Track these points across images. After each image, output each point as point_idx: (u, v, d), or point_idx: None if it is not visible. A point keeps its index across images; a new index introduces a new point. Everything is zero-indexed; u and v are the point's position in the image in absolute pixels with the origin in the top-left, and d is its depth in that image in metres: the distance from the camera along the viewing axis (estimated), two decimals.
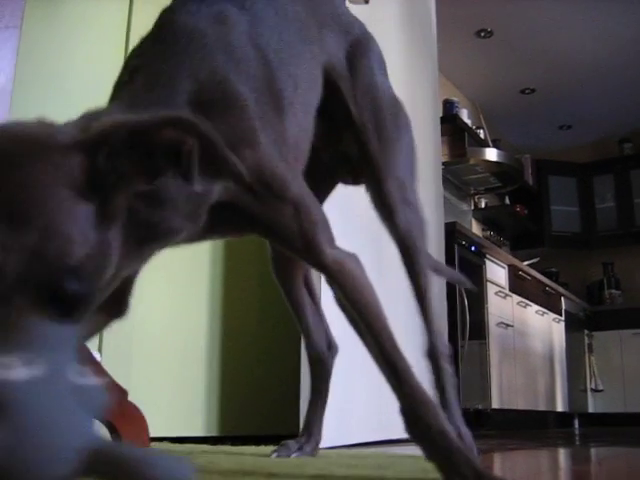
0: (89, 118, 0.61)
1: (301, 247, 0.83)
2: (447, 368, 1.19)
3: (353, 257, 0.85)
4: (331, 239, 0.85)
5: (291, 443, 1.25)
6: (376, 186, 1.08)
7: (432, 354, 1.19)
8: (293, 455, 1.22)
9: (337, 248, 0.85)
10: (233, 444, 1.75)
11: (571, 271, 6.37)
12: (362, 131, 1.07)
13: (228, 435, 2.12)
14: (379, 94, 1.10)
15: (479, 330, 3.99)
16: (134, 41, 1.99)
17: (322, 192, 1.19)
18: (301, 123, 0.91)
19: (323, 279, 1.16)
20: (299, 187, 0.82)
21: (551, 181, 6.40)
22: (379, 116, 1.09)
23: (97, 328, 0.85)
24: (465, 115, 5.22)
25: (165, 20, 0.83)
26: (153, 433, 1.23)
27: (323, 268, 0.84)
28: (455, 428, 1.14)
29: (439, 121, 3.23)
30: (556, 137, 6.54)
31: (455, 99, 5.13)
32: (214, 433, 2.14)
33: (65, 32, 1.85)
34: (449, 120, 4.76)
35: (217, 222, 0.76)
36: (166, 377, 2.01)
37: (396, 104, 1.16)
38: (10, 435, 0.46)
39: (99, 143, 0.55)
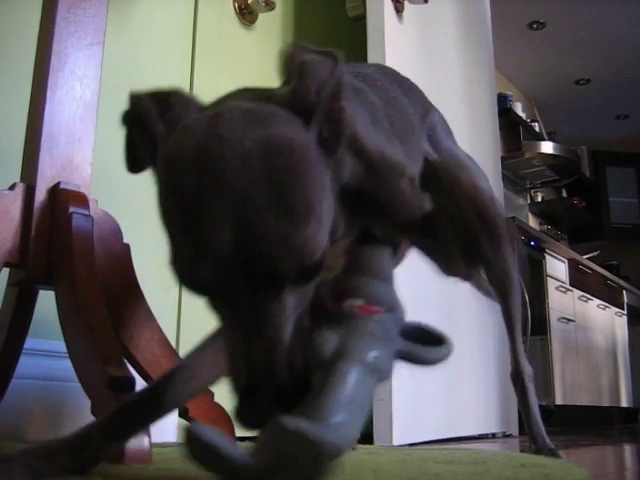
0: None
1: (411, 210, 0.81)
2: (531, 388, 1.31)
3: None
4: None
5: None
6: None
7: (517, 374, 1.32)
8: None
9: None
10: None
11: (632, 264, 6.22)
12: None
13: None
14: (459, 157, 1.28)
15: (540, 326, 3.95)
16: (200, 46, 2.06)
17: None
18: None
19: None
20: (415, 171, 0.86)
21: (609, 172, 6.26)
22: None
23: None
24: (519, 109, 5.17)
25: None
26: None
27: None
28: (541, 441, 1.26)
29: (497, 116, 3.21)
30: (613, 127, 6.40)
31: (509, 93, 5.08)
32: None
33: (136, 43, 1.91)
34: (503, 114, 4.70)
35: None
36: None
37: (471, 160, 1.34)
38: None
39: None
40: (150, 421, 0.80)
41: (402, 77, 1.26)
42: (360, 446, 1.43)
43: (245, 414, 0.54)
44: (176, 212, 0.54)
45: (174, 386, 0.80)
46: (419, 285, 1.82)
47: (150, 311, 1.24)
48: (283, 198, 0.52)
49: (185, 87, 2.05)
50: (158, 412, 0.79)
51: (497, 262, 1.28)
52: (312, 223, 0.53)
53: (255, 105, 0.58)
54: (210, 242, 0.52)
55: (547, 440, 1.26)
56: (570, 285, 4.50)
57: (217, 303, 0.57)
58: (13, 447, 0.92)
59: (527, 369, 1.33)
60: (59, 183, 1.17)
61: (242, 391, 0.53)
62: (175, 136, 0.58)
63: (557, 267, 4.36)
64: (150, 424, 0.82)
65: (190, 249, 0.53)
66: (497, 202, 1.27)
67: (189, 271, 0.54)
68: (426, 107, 1.30)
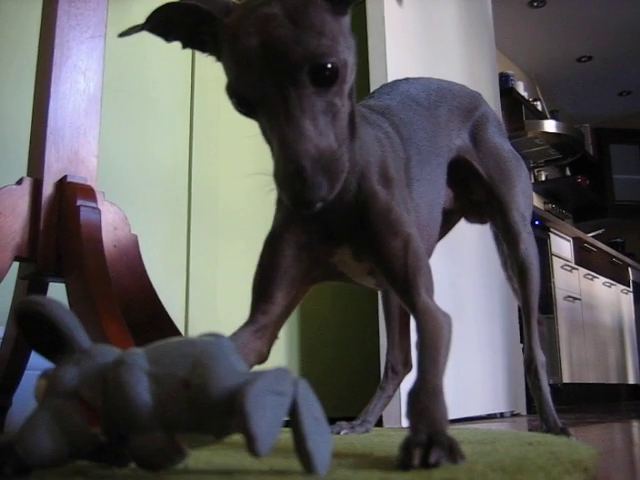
0: None
1: (401, 283, 0.87)
2: (543, 374, 1.34)
3: (446, 315, 0.84)
4: (430, 289, 0.88)
5: (344, 424, 1.37)
6: (503, 219, 1.32)
7: (531, 361, 1.34)
8: (342, 432, 1.33)
9: (433, 301, 0.87)
10: None
11: (637, 241, 6.22)
12: (489, 181, 1.32)
13: None
14: (500, 152, 1.34)
15: (547, 305, 3.96)
16: None
17: (449, 228, 1.43)
18: (423, 199, 1.10)
19: None
20: (414, 231, 0.91)
21: (612, 150, 6.23)
22: (502, 168, 1.33)
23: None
24: (521, 88, 5.15)
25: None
26: None
27: (413, 310, 0.85)
28: (552, 422, 1.28)
29: (499, 96, 3.20)
30: (616, 104, 6.37)
31: (510, 72, 5.05)
32: None
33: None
34: (505, 94, 4.67)
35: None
36: None
37: (514, 157, 1.38)
38: None
39: None
40: None
41: (435, 87, 1.30)
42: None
43: (301, 197, 0.67)
44: (230, 49, 0.74)
45: None
46: None
47: (159, 300, 1.25)
48: (299, 19, 0.70)
49: (186, 76, 2.05)
50: None
51: (518, 251, 1.30)
52: (322, 38, 0.71)
53: None
54: (244, 53, 0.71)
55: (558, 421, 1.28)
56: (575, 263, 4.50)
57: (258, 113, 0.74)
58: None
59: (540, 357, 1.35)
60: (66, 176, 1.19)
61: (290, 177, 0.67)
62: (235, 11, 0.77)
63: (562, 246, 4.36)
64: None
65: (234, 66, 0.73)
66: (530, 200, 1.39)
67: (235, 81, 0.74)
68: (472, 106, 1.36)
